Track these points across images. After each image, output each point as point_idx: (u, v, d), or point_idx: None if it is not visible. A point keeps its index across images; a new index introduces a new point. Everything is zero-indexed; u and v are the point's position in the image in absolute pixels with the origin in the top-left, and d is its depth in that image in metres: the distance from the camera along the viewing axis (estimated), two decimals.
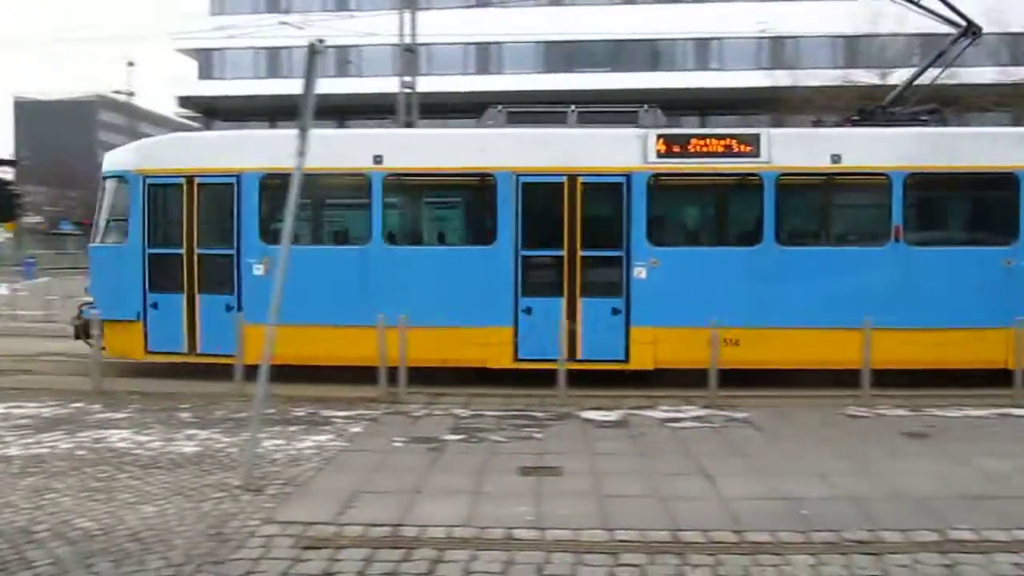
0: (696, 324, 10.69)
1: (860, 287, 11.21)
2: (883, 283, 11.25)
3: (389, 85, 27.50)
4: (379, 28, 31.41)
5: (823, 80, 31.21)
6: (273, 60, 44.23)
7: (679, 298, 11.28)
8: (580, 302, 11.51)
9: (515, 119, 12.19)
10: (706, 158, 11.60)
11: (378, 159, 11.67)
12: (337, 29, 32.97)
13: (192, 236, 11.99)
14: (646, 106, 12.37)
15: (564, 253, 11.53)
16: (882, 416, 9.37)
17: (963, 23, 12.86)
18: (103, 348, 11.48)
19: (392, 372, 10.56)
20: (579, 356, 11.43)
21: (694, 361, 10.71)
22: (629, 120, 12.09)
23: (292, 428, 8.85)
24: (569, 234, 11.52)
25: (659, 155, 11.55)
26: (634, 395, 10.57)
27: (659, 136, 11.63)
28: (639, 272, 11.43)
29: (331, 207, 12.99)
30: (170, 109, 53.66)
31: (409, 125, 25.46)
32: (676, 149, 11.60)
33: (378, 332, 10.44)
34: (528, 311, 11.48)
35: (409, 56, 25.76)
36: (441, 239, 12.53)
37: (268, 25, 33.98)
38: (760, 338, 11.17)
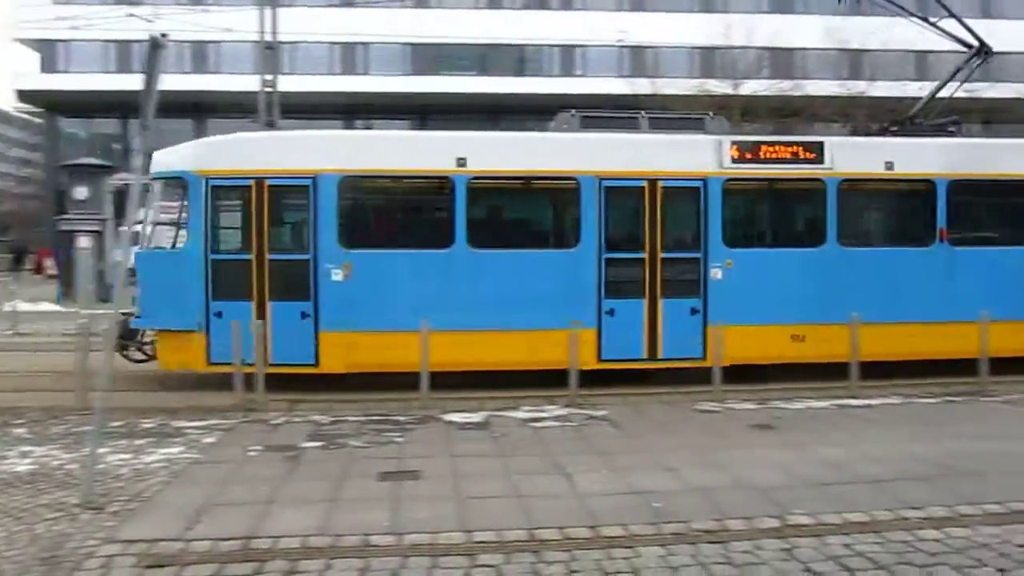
0: (767, 322, 11.60)
1: (910, 284, 12.05)
2: (929, 281, 12.13)
3: (249, 83, 26.64)
4: (238, 24, 30.37)
5: (680, 88, 32.45)
6: (123, 54, 41.96)
7: (751, 297, 11.71)
8: (661, 303, 11.78)
9: (588, 123, 12.25)
10: (775, 164, 12.13)
11: (461, 161, 11.48)
12: (192, 23, 31.68)
13: (262, 241, 11.25)
14: (711, 113, 13.02)
15: (645, 255, 11.78)
16: (732, 410, 9.82)
17: (976, 44, 13.58)
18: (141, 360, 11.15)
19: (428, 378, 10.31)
20: (660, 356, 11.78)
21: (764, 357, 11.66)
22: (696, 127, 12.51)
23: (140, 441, 8.41)
24: (650, 237, 11.77)
25: (733, 161, 11.96)
26: (498, 396, 10.65)
27: (733, 143, 12.07)
28: (715, 273, 11.83)
29: (412, 210, 12.60)
30: (9, 104, 50.10)
31: (271, 125, 24.77)
32: (748, 155, 12.04)
33: (421, 337, 10.28)
34: (611, 312, 11.65)
35: (270, 54, 25.04)
36: (524, 242, 12.24)
37: (116, 17, 32.19)
38: (823, 334, 11.64)
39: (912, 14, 13.69)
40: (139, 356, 12.15)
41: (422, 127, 41.96)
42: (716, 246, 11.82)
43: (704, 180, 11.84)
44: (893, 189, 12.86)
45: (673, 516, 6.03)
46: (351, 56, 43.39)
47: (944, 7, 13.28)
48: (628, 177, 11.80)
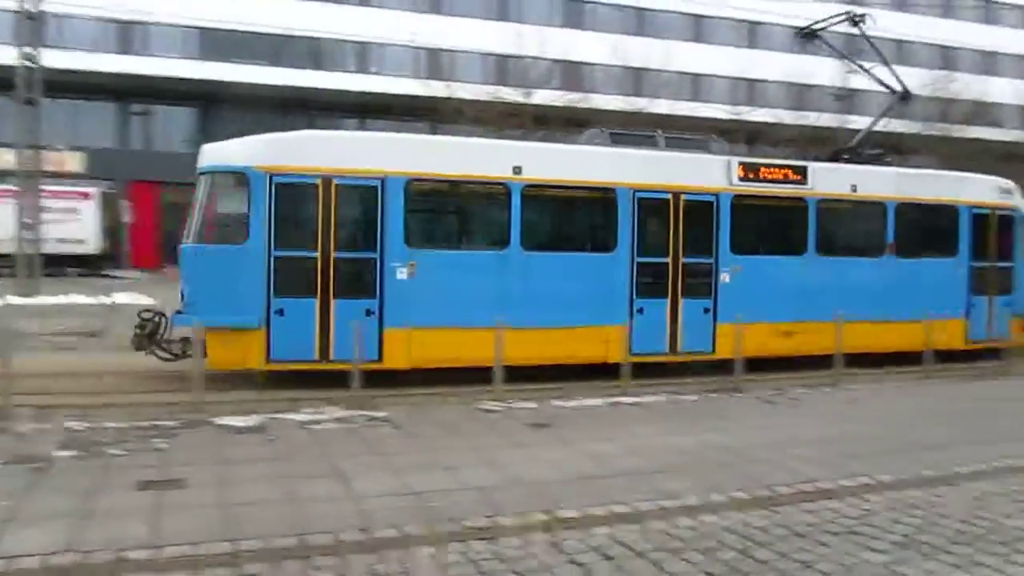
0: (764, 320, 13.31)
1: (867, 289, 14.37)
2: (881, 286, 14.57)
3: (6, 55, 24.18)
4: None
5: (475, 93, 33.01)
6: None
7: (752, 298, 13.37)
8: (681, 303, 13.31)
9: (616, 139, 13.87)
10: (771, 183, 14.00)
11: (517, 169, 12.36)
12: None
13: (328, 239, 11.45)
14: (714, 136, 14.82)
15: (669, 260, 13.27)
16: (512, 409, 10.06)
17: (900, 88, 16.78)
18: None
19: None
20: (679, 350, 13.31)
21: (764, 350, 13.34)
22: (703, 146, 14.20)
23: None
24: (673, 243, 13.28)
25: (740, 179, 13.72)
26: (277, 399, 10.32)
27: (740, 163, 13.87)
28: (724, 276, 13.56)
29: (472, 213, 13.14)
30: None
31: (31, 103, 22.61)
32: (751, 175, 13.84)
33: (496, 334, 10.79)
34: (640, 311, 12.99)
35: (32, 24, 22.82)
36: (570, 246, 13.22)
37: None
38: (808, 330, 13.60)
39: (853, 61, 17.28)
40: (165, 355, 12.08)
41: (207, 116, 39.90)
42: (725, 253, 13.58)
43: (717, 195, 13.57)
44: (856, 208, 14.96)
45: (448, 515, 6.08)
46: (128, 34, 40.42)
47: (881, 57, 16.87)
48: (657, 190, 13.22)
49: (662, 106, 39.98)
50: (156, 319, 12.11)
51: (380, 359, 11.55)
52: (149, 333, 12.02)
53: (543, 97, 34.69)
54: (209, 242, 11.70)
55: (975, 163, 26.83)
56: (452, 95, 33.25)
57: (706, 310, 13.45)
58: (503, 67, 37.78)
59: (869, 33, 16.88)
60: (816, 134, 40.17)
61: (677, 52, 44.86)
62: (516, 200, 12.32)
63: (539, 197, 12.74)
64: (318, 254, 11.42)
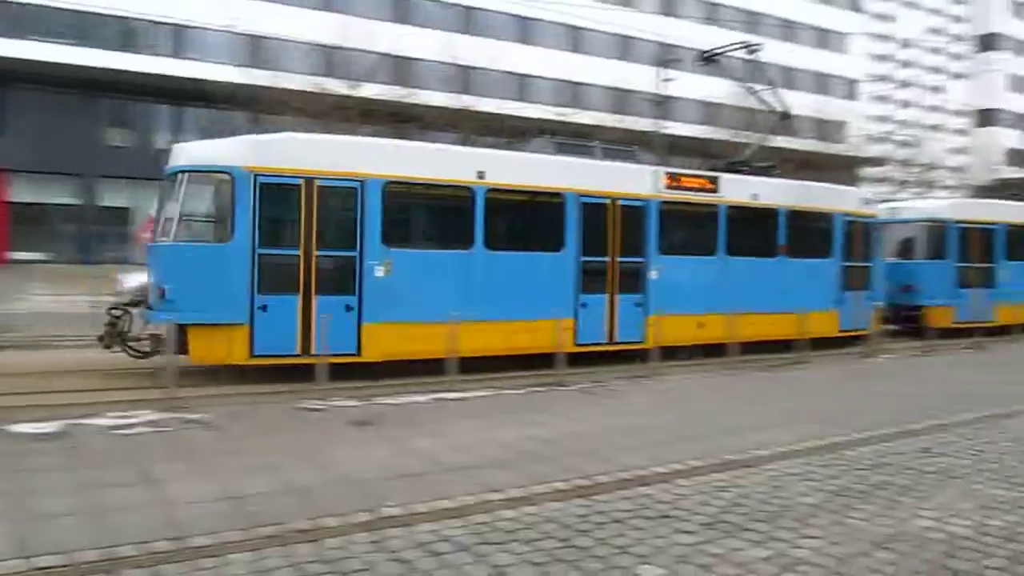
0: (684, 312, 15.16)
1: (765, 285, 16.40)
2: (776, 283, 16.64)
3: None
4: None
5: (300, 84, 32.10)
6: None
7: (675, 294, 15.16)
8: (617, 298, 14.78)
9: (561, 149, 14.95)
10: (691, 191, 15.74)
11: (481, 175, 13.30)
12: None
13: (311, 238, 11.90)
14: (636, 147, 16.81)
15: (609, 259, 14.72)
16: (335, 408, 9.88)
17: (782, 111, 19.05)
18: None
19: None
20: (616, 340, 14.74)
21: (684, 339, 15.12)
22: (629, 156, 15.89)
23: None
24: (611, 244, 14.72)
25: (665, 187, 15.37)
26: (78, 403, 9.61)
27: (666, 173, 15.60)
28: (653, 274, 15.11)
29: (442, 215, 13.84)
30: None
31: None
32: (674, 183, 15.54)
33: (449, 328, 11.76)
34: (584, 305, 14.35)
35: None
36: (526, 246, 14.17)
37: None
38: (718, 322, 15.13)
39: (744, 84, 19.38)
40: (135, 353, 12.27)
41: (3, 98, 36.51)
42: (653, 253, 15.14)
43: (647, 201, 15.13)
44: (757, 215, 16.79)
45: (268, 518, 5.88)
46: None
47: (772, 84, 19.23)
48: (598, 195, 14.60)
49: (489, 105, 40.53)
50: (124, 316, 12.24)
51: (358, 353, 12.21)
52: (120, 331, 12.18)
53: (370, 91, 34.26)
54: (193, 240, 12.02)
55: (782, 170, 29.21)
56: (275, 85, 32.18)
57: (638, 304, 15.00)
58: (329, 59, 36.96)
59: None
60: (635, 137, 42.28)
61: (505, 52, 45.65)
62: (480, 203, 13.29)
63: (500, 201, 13.66)
64: (300, 252, 11.89)
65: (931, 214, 21.52)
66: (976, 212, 21.99)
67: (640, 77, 47.86)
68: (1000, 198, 24.34)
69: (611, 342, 14.69)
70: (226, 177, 11.71)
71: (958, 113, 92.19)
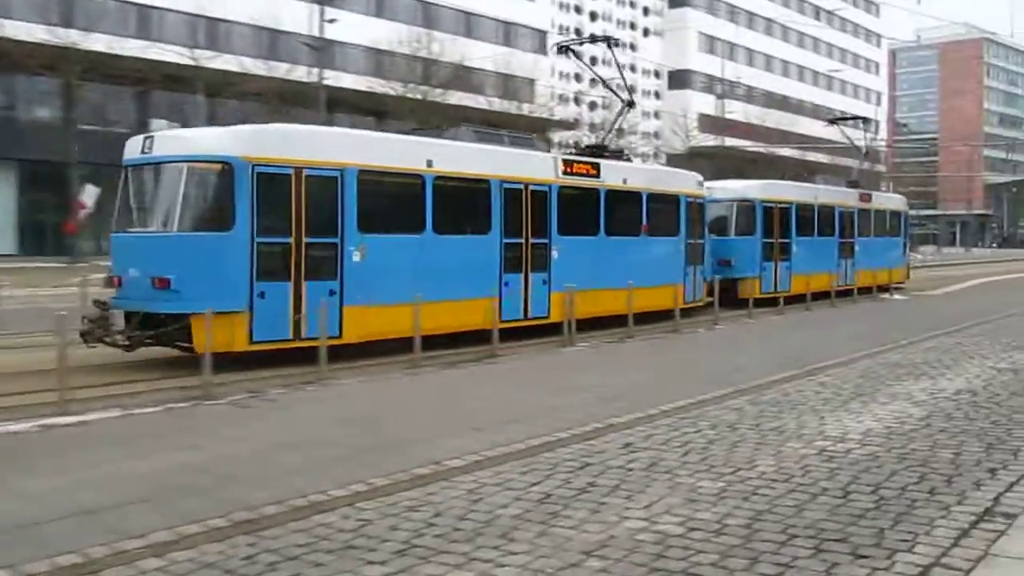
0: (585, 288, 15.79)
1: (634, 261, 18.04)
2: (640, 259, 18.31)
3: None
4: None
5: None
6: None
7: (572, 271, 16.11)
8: (530, 276, 15.89)
9: (479, 137, 16.37)
10: (580, 176, 17.40)
11: (430, 163, 14.34)
12: None
13: (301, 225, 12.42)
14: (534, 135, 19.82)
15: (523, 240, 15.87)
16: None
17: (627, 99, 21.37)
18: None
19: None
20: (529, 315, 15.90)
21: (579, 313, 15.47)
22: (529, 144, 17.69)
23: None
24: (526, 226, 15.87)
25: (563, 173, 16.91)
26: None
27: (563, 160, 17.51)
28: (555, 253, 16.42)
29: (401, 202, 14.49)
30: None
31: None
32: (569, 170, 17.19)
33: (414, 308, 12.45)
34: (507, 284, 15.48)
35: None
36: (464, 230, 15.34)
37: None
38: (602, 296, 16.66)
39: (591, 68, 22.32)
40: (120, 346, 12.19)
41: None
42: (554, 234, 16.45)
43: (550, 186, 16.52)
44: (627, 197, 18.65)
45: None
46: None
47: (620, 71, 22.14)
48: (516, 181, 15.82)
49: (100, 42, 34.46)
50: (106, 310, 12.20)
51: (340, 335, 12.76)
52: (104, 325, 12.08)
53: (243, 64, 29.38)
54: (193, 230, 12.17)
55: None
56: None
57: (544, 282, 16.26)
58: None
59: None
60: (290, 88, 38.95)
61: None
62: (429, 190, 14.24)
63: (444, 187, 14.62)
64: (292, 240, 12.38)
65: (742, 194, 24.17)
66: (778, 192, 25.03)
67: (294, 15, 40.93)
68: (692, 168, 26.59)
69: (526, 318, 15.83)
70: (227, 167, 12.07)
71: (654, 74, 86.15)
